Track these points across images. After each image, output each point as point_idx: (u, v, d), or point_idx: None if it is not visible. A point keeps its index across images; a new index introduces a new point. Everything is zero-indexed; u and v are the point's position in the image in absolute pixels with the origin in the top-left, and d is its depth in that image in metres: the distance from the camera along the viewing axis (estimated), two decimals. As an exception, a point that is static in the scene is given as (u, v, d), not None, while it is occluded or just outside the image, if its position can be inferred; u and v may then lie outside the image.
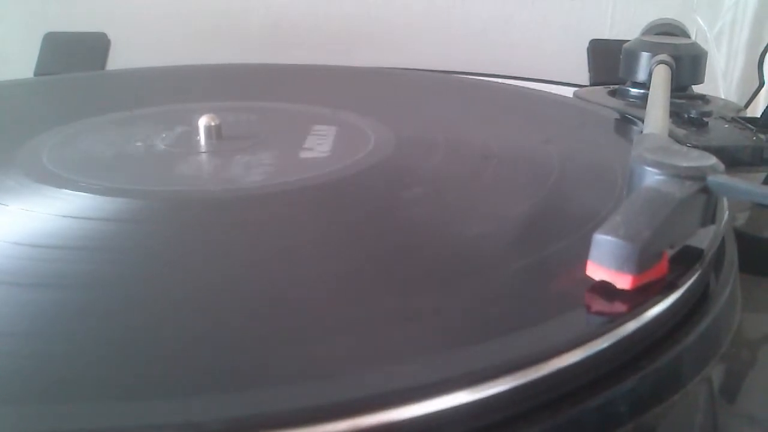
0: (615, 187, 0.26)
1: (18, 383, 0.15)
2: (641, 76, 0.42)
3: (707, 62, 0.42)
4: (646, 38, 0.44)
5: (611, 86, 0.45)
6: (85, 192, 0.26)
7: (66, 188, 0.26)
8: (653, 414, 0.18)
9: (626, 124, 0.38)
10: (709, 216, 0.20)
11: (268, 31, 0.63)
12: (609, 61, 0.47)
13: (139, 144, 0.32)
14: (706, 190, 0.20)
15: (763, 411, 0.20)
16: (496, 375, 0.15)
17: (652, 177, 0.20)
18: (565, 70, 0.57)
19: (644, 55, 0.41)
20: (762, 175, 0.33)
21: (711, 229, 0.21)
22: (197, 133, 0.32)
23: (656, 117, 0.29)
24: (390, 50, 0.63)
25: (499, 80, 0.52)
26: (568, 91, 0.46)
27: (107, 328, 0.17)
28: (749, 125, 0.36)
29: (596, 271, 0.18)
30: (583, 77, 0.55)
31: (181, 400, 0.15)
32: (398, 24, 0.64)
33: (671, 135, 0.30)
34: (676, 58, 0.40)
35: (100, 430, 0.14)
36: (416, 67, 0.59)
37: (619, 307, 0.18)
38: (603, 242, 0.18)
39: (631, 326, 0.18)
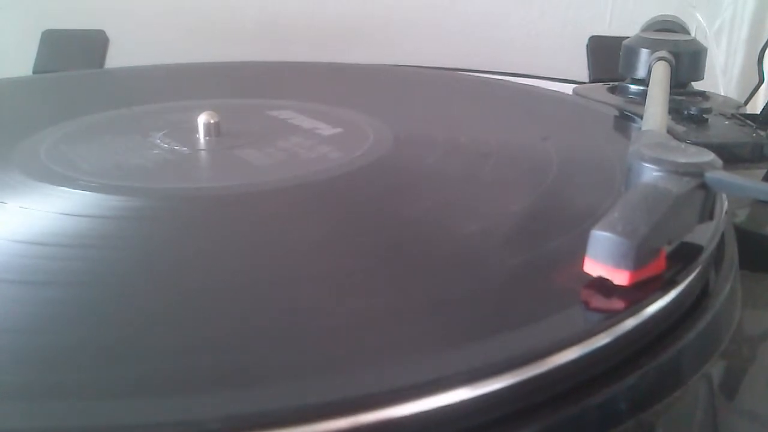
0: (613, 183, 0.26)
1: (17, 381, 0.15)
2: (641, 72, 0.41)
3: (707, 59, 0.42)
4: (646, 35, 0.44)
5: (611, 83, 0.45)
6: (83, 190, 0.26)
7: (64, 186, 0.26)
8: (653, 411, 0.18)
9: (625, 121, 0.38)
10: (707, 212, 0.20)
11: (266, 29, 0.63)
12: (608, 57, 0.47)
13: (137, 141, 0.32)
14: (704, 186, 0.20)
15: (764, 408, 0.20)
16: (494, 372, 0.15)
17: (649, 173, 0.20)
18: (564, 67, 0.57)
19: (644, 52, 0.41)
20: (762, 172, 0.33)
21: (710, 226, 0.21)
22: (196, 131, 0.32)
23: (655, 114, 0.28)
24: (387, 47, 0.63)
25: (498, 77, 0.51)
26: (568, 88, 0.46)
27: (106, 326, 0.17)
28: (749, 122, 0.36)
29: (594, 267, 0.18)
30: (583, 74, 0.55)
31: (181, 398, 0.14)
32: (395, 20, 0.64)
33: (671, 132, 0.29)
34: (676, 55, 0.40)
35: (100, 428, 0.14)
36: (414, 63, 0.58)
37: (617, 303, 0.18)
38: (600, 238, 0.18)
39: (630, 323, 0.18)
